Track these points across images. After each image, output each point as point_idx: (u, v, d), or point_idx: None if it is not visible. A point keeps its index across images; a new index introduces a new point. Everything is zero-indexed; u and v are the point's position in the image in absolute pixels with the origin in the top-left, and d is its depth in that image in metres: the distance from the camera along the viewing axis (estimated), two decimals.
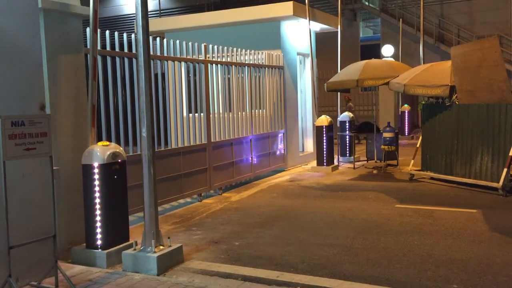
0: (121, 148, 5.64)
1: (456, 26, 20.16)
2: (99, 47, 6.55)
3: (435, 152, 9.66)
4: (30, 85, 4.84)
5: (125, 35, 6.90)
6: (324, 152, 11.59)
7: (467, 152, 8.94)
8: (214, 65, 9.09)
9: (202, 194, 8.68)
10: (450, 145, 9.29)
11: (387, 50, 19.46)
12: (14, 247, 4.28)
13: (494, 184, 8.28)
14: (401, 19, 19.95)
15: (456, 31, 20.12)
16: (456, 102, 9.18)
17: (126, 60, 6.95)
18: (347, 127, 12.79)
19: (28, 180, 4.73)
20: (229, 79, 9.71)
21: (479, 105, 8.67)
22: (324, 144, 11.55)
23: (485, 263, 5.05)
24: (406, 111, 19.04)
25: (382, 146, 11.42)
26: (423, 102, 10.54)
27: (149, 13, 5.26)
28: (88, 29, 6.16)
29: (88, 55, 6.20)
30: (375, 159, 12.23)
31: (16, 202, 4.46)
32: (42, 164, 4.70)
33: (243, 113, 10.08)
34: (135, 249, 5.15)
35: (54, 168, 4.68)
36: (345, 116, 12.90)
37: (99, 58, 6.49)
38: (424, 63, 14.55)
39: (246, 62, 10.23)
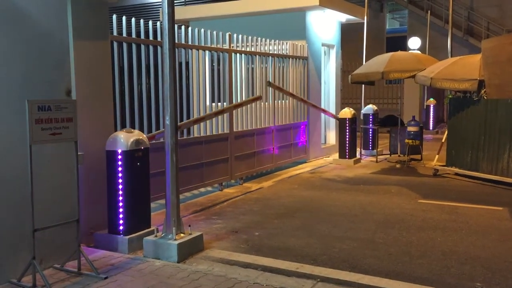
0: (144, 136, 5.67)
1: (485, 19, 19.66)
2: (124, 34, 6.60)
3: (461, 147, 9.47)
4: (57, 70, 4.89)
5: (150, 23, 6.92)
6: (347, 145, 11.48)
7: (494, 148, 8.74)
8: (238, 54, 9.06)
9: (223, 184, 8.70)
10: (476, 140, 9.09)
11: (414, 42, 19.09)
12: (39, 230, 4.35)
13: None
14: (429, 11, 19.54)
15: (485, 24, 19.62)
16: (485, 97, 8.97)
17: (151, 48, 6.97)
18: (371, 120, 12.63)
19: (53, 164, 4.79)
20: (252, 68, 9.66)
21: (508, 100, 8.45)
22: (347, 136, 11.44)
23: (510, 262, 4.94)
24: (432, 105, 18.70)
25: (406, 140, 11.24)
26: (450, 96, 10.33)
27: (174, 1, 5.24)
28: (114, 16, 6.20)
29: (114, 42, 6.24)
30: (399, 153, 12.05)
31: (41, 186, 4.52)
32: (67, 149, 4.75)
33: (266, 103, 10.04)
34: (156, 236, 5.19)
35: (78, 153, 4.74)
36: (369, 108, 12.74)
37: (124, 45, 6.53)
38: (451, 56, 14.23)
39: (270, 52, 10.16)
